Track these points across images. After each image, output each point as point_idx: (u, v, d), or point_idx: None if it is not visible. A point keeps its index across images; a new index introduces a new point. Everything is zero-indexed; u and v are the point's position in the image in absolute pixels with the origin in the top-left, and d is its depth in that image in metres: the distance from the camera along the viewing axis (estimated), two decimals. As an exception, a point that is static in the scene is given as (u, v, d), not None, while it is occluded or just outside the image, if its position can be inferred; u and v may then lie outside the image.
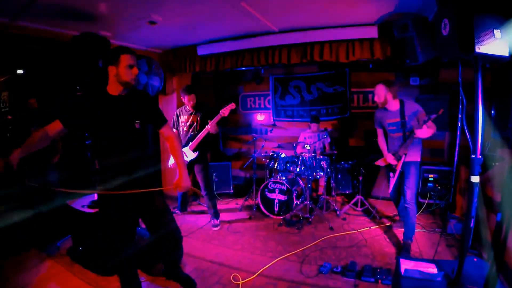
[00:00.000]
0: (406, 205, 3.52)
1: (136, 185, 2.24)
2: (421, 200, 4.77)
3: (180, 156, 2.40)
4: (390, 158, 3.60)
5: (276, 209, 4.61)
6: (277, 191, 4.61)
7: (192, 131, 4.23)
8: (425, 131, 3.21)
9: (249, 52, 4.43)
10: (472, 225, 1.93)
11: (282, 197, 4.57)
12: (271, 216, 4.65)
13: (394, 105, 3.52)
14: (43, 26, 3.40)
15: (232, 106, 3.95)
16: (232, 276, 3.10)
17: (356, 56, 3.84)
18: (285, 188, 4.55)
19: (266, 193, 4.69)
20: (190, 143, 4.17)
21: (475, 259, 2.14)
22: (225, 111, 3.92)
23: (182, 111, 4.36)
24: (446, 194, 4.58)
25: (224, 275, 3.14)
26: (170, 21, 3.57)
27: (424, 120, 3.16)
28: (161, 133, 2.41)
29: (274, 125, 5.18)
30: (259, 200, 4.75)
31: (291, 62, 4.24)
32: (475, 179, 1.84)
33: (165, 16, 3.36)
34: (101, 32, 3.60)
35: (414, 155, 3.52)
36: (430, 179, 4.74)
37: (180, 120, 4.33)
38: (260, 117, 6.05)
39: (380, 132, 3.83)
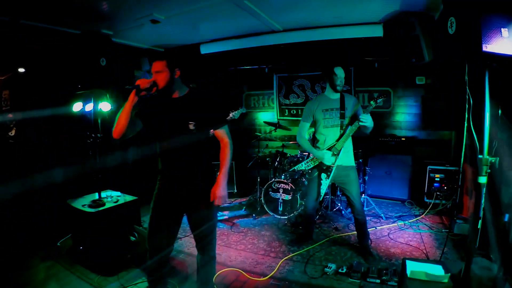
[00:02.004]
0: (357, 216, 3.39)
1: (181, 185, 2.34)
2: (427, 200, 4.74)
3: (226, 164, 2.38)
4: (325, 155, 3.26)
5: (280, 208, 4.58)
6: (281, 190, 4.58)
7: None
8: (370, 119, 3.05)
9: (252, 51, 4.41)
10: (479, 226, 1.89)
11: (286, 197, 4.54)
12: (275, 215, 4.62)
13: (336, 93, 3.36)
14: (45, 24, 3.39)
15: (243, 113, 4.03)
16: (235, 276, 3.09)
17: (361, 55, 3.81)
18: (289, 188, 4.52)
19: (270, 192, 4.66)
20: None
21: (483, 260, 2.10)
22: (234, 114, 4.01)
23: None
24: (453, 194, 4.53)
25: (227, 275, 3.13)
26: (172, 20, 3.56)
27: (370, 104, 3.08)
28: (216, 135, 2.45)
29: (278, 124, 5.16)
30: (263, 199, 4.73)
31: (294, 61, 4.22)
32: (483, 179, 1.80)
33: (168, 14, 3.35)
34: (103, 31, 3.60)
35: (349, 158, 3.35)
36: (436, 179, 4.69)
37: None
38: (264, 116, 6.04)
39: (305, 127, 3.47)
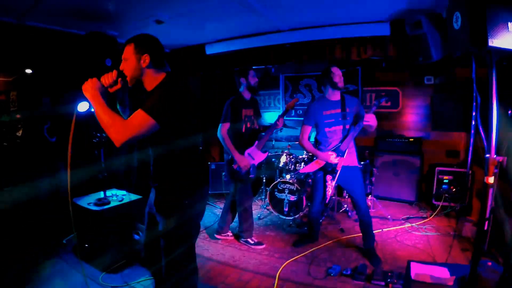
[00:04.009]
0: (361, 218, 3.36)
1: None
2: (435, 203, 4.65)
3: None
4: (330, 157, 3.23)
5: (285, 209, 4.54)
6: (286, 191, 4.54)
7: (251, 127, 3.69)
8: (373, 119, 3.02)
9: (258, 51, 4.39)
10: (486, 227, 1.84)
11: (292, 198, 4.50)
12: (281, 216, 4.59)
13: (336, 94, 3.32)
14: (51, 26, 3.44)
15: (296, 100, 3.77)
16: (238, 276, 3.08)
17: (368, 54, 3.77)
18: (294, 188, 4.49)
19: (276, 193, 4.63)
20: (256, 141, 3.66)
21: (490, 263, 2.05)
22: (291, 105, 3.73)
23: (240, 102, 3.57)
24: (462, 197, 4.43)
25: (229, 275, 3.12)
26: (177, 20, 3.57)
27: (375, 104, 3.09)
28: None
29: (284, 124, 5.12)
30: (268, 200, 4.70)
31: (301, 61, 4.20)
32: (490, 180, 1.75)
33: (172, 15, 3.36)
34: (108, 32, 3.63)
35: (353, 159, 3.35)
36: (445, 180, 4.60)
37: (242, 113, 3.55)
38: (270, 116, 5.98)
39: (307, 130, 3.42)
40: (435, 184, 4.68)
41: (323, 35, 3.92)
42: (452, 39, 1.71)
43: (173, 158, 1.88)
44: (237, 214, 3.81)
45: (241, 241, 3.81)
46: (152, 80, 1.87)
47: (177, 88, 1.83)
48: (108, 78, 1.81)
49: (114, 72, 1.82)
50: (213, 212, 4.95)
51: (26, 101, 3.65)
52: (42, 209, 3.61)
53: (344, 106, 3.28)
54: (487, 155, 1.75)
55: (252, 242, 3.75)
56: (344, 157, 3.24)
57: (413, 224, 4.25)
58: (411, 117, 5.41)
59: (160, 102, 1.71)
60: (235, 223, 4.07)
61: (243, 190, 3.66)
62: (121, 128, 1.67)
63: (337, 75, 3.25)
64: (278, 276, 3.07)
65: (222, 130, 3.48)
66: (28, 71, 3.58)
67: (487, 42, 1.46)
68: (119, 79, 1.83)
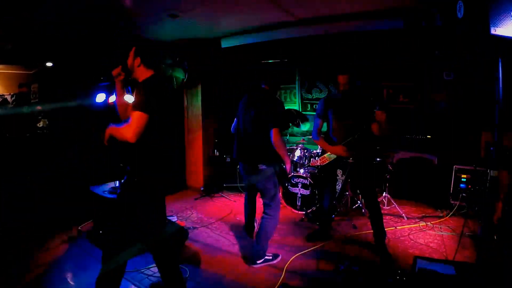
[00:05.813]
0: (371, 213, 3.32)
1: None
2: (452, 202, 4.51)
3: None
4: (340, 150, 3.25)
5: (298, 203, 4.55)
6: (300, 185, 4.55)
7: None
8: (382, 115, 3.07)
9: (272, 44, 4.39)
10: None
11: (305, 192, 4.50)
12: (293, 210, 4.60)
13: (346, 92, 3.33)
14: (69, 21, 3.55)
15: None
16: (246, 266, 3.14)
17: (381, 47, 3.70)
18: (308, 183, 4.48)
19: (289, 187, 4.65)
20: None
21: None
22: None
23: None
24: (480, 197, 4.26)
25: (239, 265, 3.18)
26: (191, 14, 3.62)
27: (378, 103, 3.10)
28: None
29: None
30: (281, 194, 4.71)
31: (314, 54, 4.16)
32: (493, 173, 1.71)
33: (186, 9, 3.41)
34: (124, 25, 3.73)
35: (363, 153, 3.31)
36: (462, 179, 4.46)
37: None
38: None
39: (319, 124, 3.43)
40: (452, 183, 4.55)
41: (337, 28, 3.87)
42: (457, 28, 1.67)
43: (151, 148, 2.18)
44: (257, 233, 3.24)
45: (258, 263, 3.16)
46: (142, 74, 2.26)
47: (157, 85, 2.21)
48: (116, 71, 2.33)
49: (119, 67, 2.31)
50: (226, 204, 5.01)
51: (46, 93, 3.81)
52: (60, 196, 3.77)
53: (354, 102, 3.28)
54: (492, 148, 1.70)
55: (271, 258, 3.24)
56: (354, 151, 3.22)
57: (428, 223, 4.16)
58: (429, 113, 5.25)
59: (144, 98, 2.08)
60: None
61: (278, 200, 3.30)
62: (127, 129, 2.03)
63: (342, 84, 3.26)
64: (286, 268, 3.10)
65: (280, 135, 3.07)
66: (49, 64, 3.73)
67: (489, 30, 1.41)
68: (122, 72, 2.33)
